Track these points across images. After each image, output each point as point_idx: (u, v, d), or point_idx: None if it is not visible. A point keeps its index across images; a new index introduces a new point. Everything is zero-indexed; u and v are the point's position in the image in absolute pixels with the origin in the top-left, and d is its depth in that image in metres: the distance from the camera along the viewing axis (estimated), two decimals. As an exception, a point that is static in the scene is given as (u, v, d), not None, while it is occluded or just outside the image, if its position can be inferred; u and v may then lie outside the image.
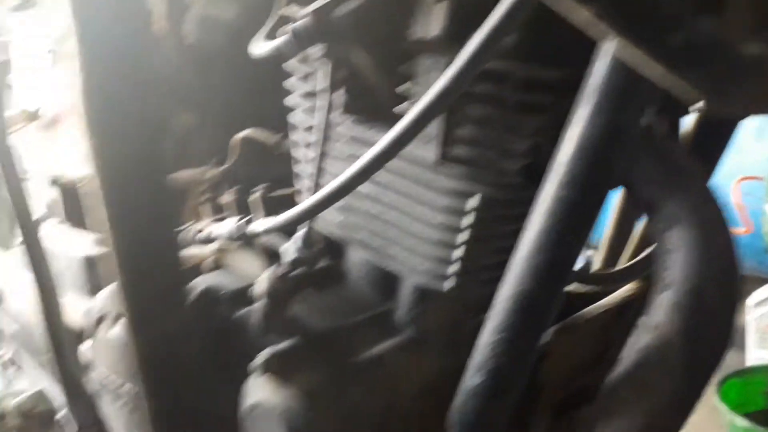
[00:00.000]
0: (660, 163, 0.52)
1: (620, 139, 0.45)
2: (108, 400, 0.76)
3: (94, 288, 0.96)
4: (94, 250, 0.96)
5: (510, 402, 0.55)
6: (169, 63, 0.88)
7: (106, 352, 0.74)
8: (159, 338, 0.60)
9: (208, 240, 0.72)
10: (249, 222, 0.66)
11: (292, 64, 0.66)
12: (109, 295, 0.75)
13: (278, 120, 0.85)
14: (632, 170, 0.51)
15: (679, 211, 0.50)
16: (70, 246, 0.98)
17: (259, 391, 0.58)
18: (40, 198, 1.10)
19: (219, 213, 0.83)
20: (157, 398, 0.59)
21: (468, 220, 0.57)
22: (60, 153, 0.98)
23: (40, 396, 1.05)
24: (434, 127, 0.55)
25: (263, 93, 0.73)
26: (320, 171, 0.62)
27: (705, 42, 0.32)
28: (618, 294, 0.75)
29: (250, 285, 0.67)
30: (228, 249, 0.75)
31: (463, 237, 0.58)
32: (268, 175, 0.78)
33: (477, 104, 0.53)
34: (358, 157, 0.53)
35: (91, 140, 0.52)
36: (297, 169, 0.70)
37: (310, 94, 0.65)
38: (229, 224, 0.67)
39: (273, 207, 0.76)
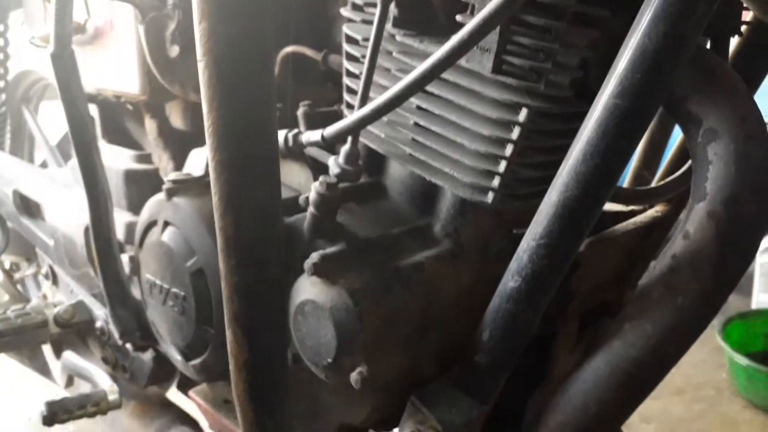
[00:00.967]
0: (707, 76, 0.53)
1: (677, 50, 0.46)
2: (154, 304, 0.81)
3: (132, 203, 0.99)
4: (133, 166, 0.99)
5: (543, 307, 0.59)
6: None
7: (155, 258, 0.78)
8: (247, 215, 0.58)
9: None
10: (299, 133, 0.68)
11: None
12: (155, 203, 0.78)
13: (324, 37, 0.86)
14: (681, 82, 0.53)
15: (722, 124, 0.52)
16: (109, 161, 1.01)
17: (309, 290, 0.62)
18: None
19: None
20: (240, 274, 0.58)
21: (516, 132, 0.59)
22: (100, 68, 1.00)
23: (79, 306, 1.10)
24: (490, 38, 0.56)
25: (310, 7, 0.73)
26: (370, 83, 0.63)
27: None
28: (647, 214, 0.77)
29: (299, 195, 0.70)
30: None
31: (509, 150, 0.60)
32: (313, 91, 0.80)
33: (534, 13, 0.54)
34: (409, 71, 0.55)
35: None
36: (347, 81, 0.71)
37: (367, 4, 0.66)
38: (280, 134, 0.69)
39: (317, 124, 0.78)
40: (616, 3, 0.53)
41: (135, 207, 0.99)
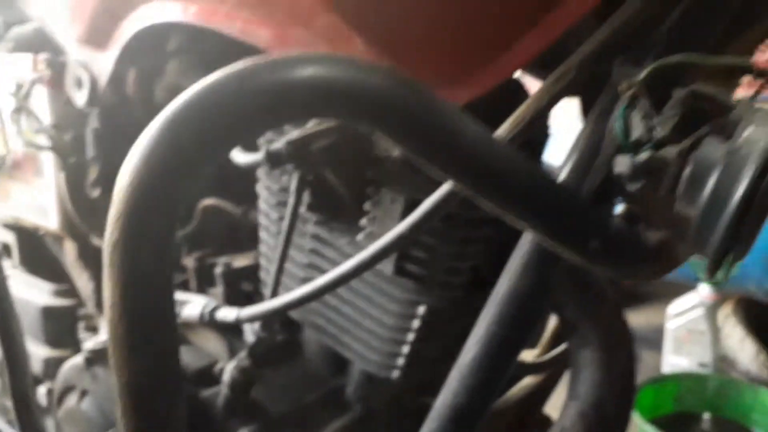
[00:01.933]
0: (580, 287, 0.60)
1: (544, 292, 0.53)
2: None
3: (49, 338, 0.99)
4: (51, 302, 0.99)
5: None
6: (137, 121, 0.91)
7: (73, 422, 0.78)
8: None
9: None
10: (215, 309, 0.71)
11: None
12: (74, 369, 0.78)
13: (245, 190, 0.90)
14: (558, 290, 0.60)
15: (591, 333, 0.59)
16: (27, 294, 1.00)
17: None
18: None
19: (182, 274, 0.87)
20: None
21: (416, 323, 0.64)
22: (18, 199, 0.99)
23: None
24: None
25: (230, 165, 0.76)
26: (281, 277, 0.68)
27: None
28: (525, 383, 0.85)
29: (213, 363, 0.72)
30: (189, 324, 0.80)
31: (410, 337, 0.65)
32: (230, 243, 0.83)
33: (428, 236, 0.60)
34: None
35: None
36: (262, 261, 0.75)
37: (280, 190, 0.70)
38: (197, 307, 0.72)
39: (234, 282, 0.82)
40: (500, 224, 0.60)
41: (52, 342, 0.98)
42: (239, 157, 0.66)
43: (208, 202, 0.87)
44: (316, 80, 0.35)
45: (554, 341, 0.85)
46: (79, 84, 0.83)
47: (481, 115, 0.42)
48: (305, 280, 0.68)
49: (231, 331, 0.79)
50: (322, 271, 0.67)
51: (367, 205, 0.63)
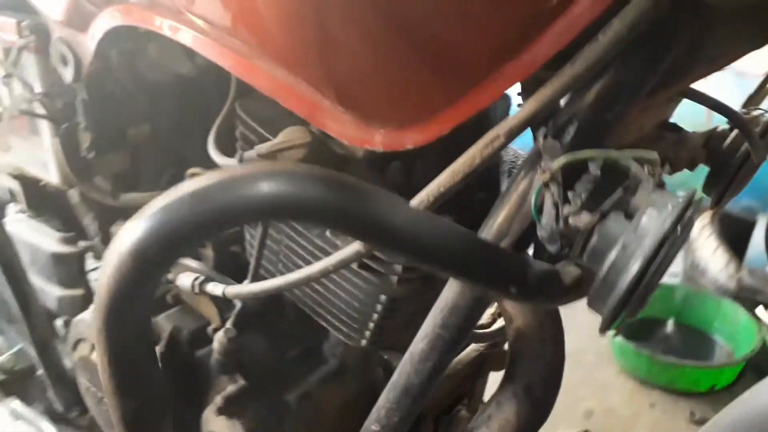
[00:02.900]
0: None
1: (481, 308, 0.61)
2: (91, 402, 0.94)
3: (61, 280, 1.09)
4: (60, 249, 1.08)
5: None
6: (125, 90, 0.95)
7: (86, 370, 0.91)
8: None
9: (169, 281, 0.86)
10: (204, 282, 0.80)
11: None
12: (84, 324, 0.89)
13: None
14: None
15: (526, 329, 0.68)
16: (37, 241, 1.09)
17: (216, 424, 0.77)
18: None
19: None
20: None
21: (379, 308, 0.73)
22: (19, 153, 1.05)
23: (20, 354, 1.21)
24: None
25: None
26: (260, 262, 0.76)
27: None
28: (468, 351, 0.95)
29: (206, 325, 0.83)
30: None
31: (375, 317, 0.75)
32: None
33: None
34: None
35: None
36: (247, 237, 0.83)
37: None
38: (189, 278, 0.81)
39: (223, 243, 0.90)
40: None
41: (64, 283, 1.09)
42: (217, 158, 0.71)
43: (193, 170, 0.93)
44: (259, 198, 0.41)
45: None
46: (64, 61, 0.86)
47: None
48: (284, 264, 0.76)
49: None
50: (299, 256, 0.75)
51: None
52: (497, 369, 1.01)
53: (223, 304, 0.86)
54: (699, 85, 0.63)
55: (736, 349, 2.16)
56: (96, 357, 0.87)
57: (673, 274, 2.36)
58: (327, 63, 0.53)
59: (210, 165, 0.93)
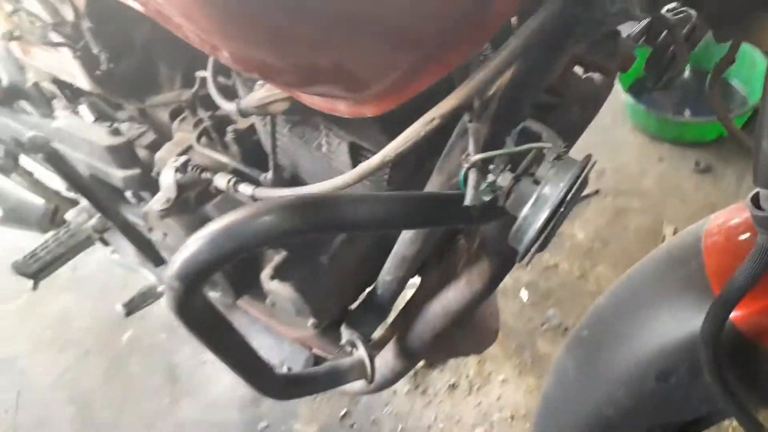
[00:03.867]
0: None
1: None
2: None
3: (119, 164, 1.30)
4: (111, 141, 1.26)
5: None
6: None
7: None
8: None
9: (207, 181, 1.04)
10: (237, 182, 0.98)
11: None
12: (151, 215, 1.11)
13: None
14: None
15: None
16: (92, 137, 1.26)
17: (273, 286, 1.02)
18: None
19: (199, 126, 1.11)
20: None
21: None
22: (52, 61, 1.17)
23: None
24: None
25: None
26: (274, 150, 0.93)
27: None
28: None
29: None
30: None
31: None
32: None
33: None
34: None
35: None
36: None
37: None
38: (224, 179, 0.99)
39: (245, 137, 1.06)
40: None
41: (122, 165, 1.29)
42: (222, 104, 0.84)
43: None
44: (269, 226, 0.57)
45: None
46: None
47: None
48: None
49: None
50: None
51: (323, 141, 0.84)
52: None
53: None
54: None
55: (751, 94, 2.22)
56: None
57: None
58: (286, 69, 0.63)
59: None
